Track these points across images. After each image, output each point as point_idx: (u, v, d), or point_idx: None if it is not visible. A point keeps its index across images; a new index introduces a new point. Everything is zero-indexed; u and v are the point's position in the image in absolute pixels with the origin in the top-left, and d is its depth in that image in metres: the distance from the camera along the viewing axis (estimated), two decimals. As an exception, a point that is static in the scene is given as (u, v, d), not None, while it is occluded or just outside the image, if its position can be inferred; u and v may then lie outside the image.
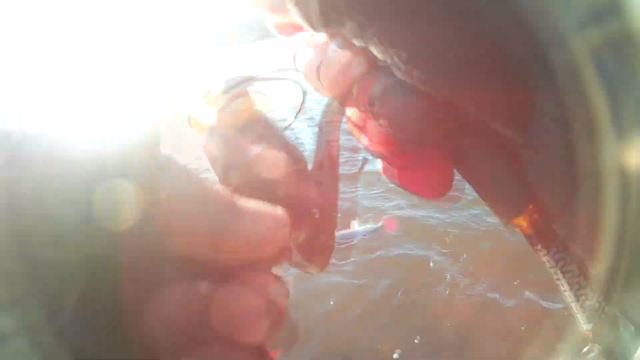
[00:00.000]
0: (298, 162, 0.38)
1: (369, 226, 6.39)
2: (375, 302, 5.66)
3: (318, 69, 0.33)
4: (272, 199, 0.27)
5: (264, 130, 0.41)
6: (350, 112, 0.35)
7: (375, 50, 0.28)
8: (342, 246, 5.54)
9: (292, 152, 0.39)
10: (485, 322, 5.17)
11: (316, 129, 0.42)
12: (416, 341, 5.14)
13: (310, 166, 0.41)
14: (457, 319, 5.43)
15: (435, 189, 0.34)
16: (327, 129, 0.42)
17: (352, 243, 5.71)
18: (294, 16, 0.31)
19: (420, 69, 0.26)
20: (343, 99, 0.35)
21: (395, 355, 4.77)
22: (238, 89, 0.48)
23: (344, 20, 0.28)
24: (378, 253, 6.39)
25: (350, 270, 5.89)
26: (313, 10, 0.29)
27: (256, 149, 0.38)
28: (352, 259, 6.30)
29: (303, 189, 0.38)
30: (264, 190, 0.32)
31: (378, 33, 0.27)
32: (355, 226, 6.18)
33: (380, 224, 6.25)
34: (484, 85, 0.27)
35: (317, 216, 0.40)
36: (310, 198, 0.39)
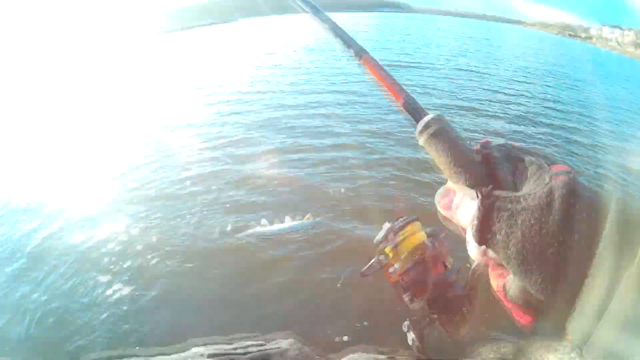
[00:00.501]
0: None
1: (303, 222, 7.03)
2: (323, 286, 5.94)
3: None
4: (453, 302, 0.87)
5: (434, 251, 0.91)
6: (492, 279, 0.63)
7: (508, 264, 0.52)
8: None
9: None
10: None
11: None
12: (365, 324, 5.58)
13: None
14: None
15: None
16: (473, 276, 0.80)
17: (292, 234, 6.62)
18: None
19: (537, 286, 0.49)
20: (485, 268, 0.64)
21: (345, 338, 5.32)
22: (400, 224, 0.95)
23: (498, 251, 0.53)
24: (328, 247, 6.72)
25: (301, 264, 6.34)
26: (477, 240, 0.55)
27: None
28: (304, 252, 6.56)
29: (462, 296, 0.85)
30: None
31: (522, 268, 0.50)
32: (289, 221, 6.93)
33: (309, 218, 6.99)
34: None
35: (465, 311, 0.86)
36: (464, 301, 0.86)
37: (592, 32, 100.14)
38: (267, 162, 8.68)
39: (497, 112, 13.43)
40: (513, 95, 16.41)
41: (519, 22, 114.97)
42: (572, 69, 31.01)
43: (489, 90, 16.78)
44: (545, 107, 15.38)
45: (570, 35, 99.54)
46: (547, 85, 20.19)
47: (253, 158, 8.91)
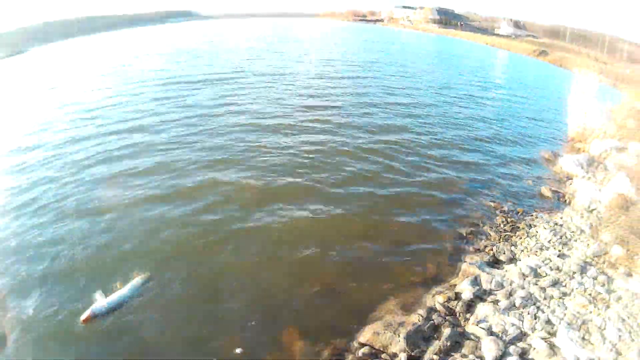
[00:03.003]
0: None
1: (133, 283, 7.60)
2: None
3: None
4: None
5: None
6: None
7: None
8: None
9: None
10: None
11: None
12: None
13: None
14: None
15: None
16: None
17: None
18: None
19: None
20: None
21: (238, 350, 6.66)
22: None
23: None
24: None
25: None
26: None
27: None
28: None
29: None
30: None
31: None
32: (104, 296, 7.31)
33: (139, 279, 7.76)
34: None
35: None
36: None
37: (383, 14, 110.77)
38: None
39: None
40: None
41: (314, 15, 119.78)
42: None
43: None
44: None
45: (361, 19, 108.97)
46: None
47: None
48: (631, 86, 19.05)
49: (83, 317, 6.86)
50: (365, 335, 7.12)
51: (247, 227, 9.39)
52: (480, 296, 7.93)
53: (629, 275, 8.00)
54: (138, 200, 10.02)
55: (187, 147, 12.99)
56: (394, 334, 7.05)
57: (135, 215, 9.50)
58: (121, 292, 7.45)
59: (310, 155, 12.73)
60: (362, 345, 6.97)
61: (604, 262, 8.53)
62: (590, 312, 7.26)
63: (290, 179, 11.41)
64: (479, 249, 9.38)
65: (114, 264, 8.17)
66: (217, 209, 9.97)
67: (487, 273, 8.39)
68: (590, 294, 7.68)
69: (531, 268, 8.41)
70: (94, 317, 6.91)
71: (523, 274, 8.29)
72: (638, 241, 8.66)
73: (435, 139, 14.67)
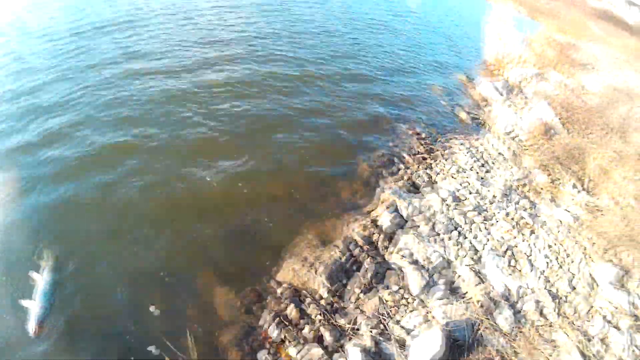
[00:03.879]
0: None
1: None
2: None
3: None
4: None
5: None
6: None
7: None
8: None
9: None
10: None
11: None
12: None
13: None
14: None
15: None
16: None
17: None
18: None
19: None
20: None
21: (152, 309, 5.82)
22: None
23: None
24: None
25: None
26: None
27: None
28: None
29: None
30: None
31: None
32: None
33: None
34: None
35: None
36: None
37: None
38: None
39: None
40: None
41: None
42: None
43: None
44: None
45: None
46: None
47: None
48: (549, 18, 19.07)
49: (32, 331, 5.53)
50: (283, 273, 6.43)
51: (151, 183, 7.88)
52: (400, 224, 7.25)
53: (553, 202, 7.74)
54: (40, 178, 7.86)
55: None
56: (313, 269, 6.33)
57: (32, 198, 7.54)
58: (45, 281, 6.07)
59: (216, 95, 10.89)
60: (281, 284, 6.29)
61: (527, 188, 8.19)
62: (515, 238, 6.85)
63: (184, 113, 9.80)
64: (395, 175, 8.62)
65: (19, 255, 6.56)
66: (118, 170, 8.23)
67: (405, 200, 7.68)
68: (513, 219, 7.27)
69: (451, 192, 7.81)
70: (42, 324, 5.61)
71: (443, 199, 7.67)
72: (561, 169, 8.43)
73: (346, 68, 13.32)
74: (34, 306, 5.72)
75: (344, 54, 14.07)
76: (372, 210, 7.63)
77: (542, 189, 8.06)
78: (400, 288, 6.10)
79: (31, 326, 5.53)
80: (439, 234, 7.01)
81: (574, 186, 7.94)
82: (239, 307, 6.01)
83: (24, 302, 5.78)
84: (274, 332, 5.62)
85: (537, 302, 5.79)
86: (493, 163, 9.01)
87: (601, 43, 16.21)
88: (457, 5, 25.72)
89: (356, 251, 6.68)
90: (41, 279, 6.05)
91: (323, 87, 11.58)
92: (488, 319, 5.52)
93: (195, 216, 7.26)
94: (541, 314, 5.66)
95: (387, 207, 7.43)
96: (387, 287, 6.11)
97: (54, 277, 6.12)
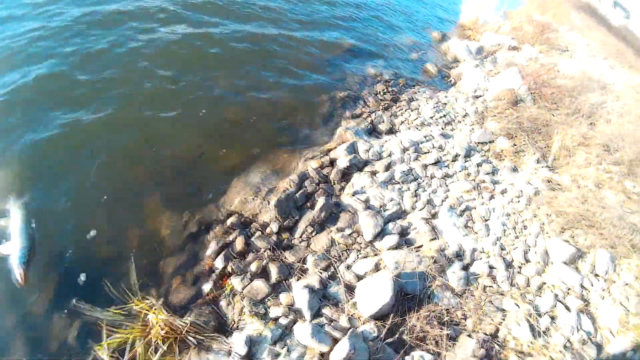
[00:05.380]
0: None
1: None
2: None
3: None
4: None
5: None
6: None
7: None
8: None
9: None
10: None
11: None
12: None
13: None
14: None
15: None
16: None
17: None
18: None
19: None
20: None
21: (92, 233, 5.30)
22: None
23: None
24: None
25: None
26: None
27: None
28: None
29: None
30: None
31: None
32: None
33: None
34: None
35: None
36: None
37: None
38: None
39: None
40: None
41: None
42: None
43: None
44: None
45: None
46: None
47: None
48: (532, -4, 18.73)
49: (20, 279, 4.60)
50: (233, 202, 5.92)
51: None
52: (357, 165, 6.78)
53: (515, 170, 7.54)
54: None
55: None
56: (264, 200, 5.86)
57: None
58: (16, 222, 5.11)
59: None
60: (231, 214, 5.80)
61: (489, 151, 7.97)
62: (474, 200, 6.59)
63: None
64: (356, 115, 8.19)
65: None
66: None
67: (365, 141, 7.23)
68: (474, 180, 7.03)
69: (412, 142, 7.40)
70: (27, 269, 4.68)
71: (404, 147, 7.25)
72: (525, 137, 8.22)
73: (316, 14, 12.19)
74: (11, 249, 4.83)
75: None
76: (331, 150, 7.12)
77: (505, 156, 7.84)
78: (353, 232, 5.68)
79: (18, 274, 4.61)
80: (397, 182, 6.61)
81: (538, 161, 7.76)
82: (184, 236, 5.54)
83: (1, 248, 4.88)
84: (219, 263, 5.18)
85: (491, 267, 5.55)
86: (458, 122, 8.70)
87: (581, 34, 16.16)
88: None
89: (311, 188, 6.18)
90: (14, 215, 5.15)
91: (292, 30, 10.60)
92: (441, 276, 5.24)
93: (145, 138, 6.55)
94: (494, 280, 5.44)
95: (346, 148, 6.92)
96: (340, 230, 5.67)
97: (24, 212, 5.21)
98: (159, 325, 4.26)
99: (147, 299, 4.49)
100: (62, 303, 4.63)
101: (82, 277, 4.83)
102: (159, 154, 6.36)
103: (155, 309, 4.34)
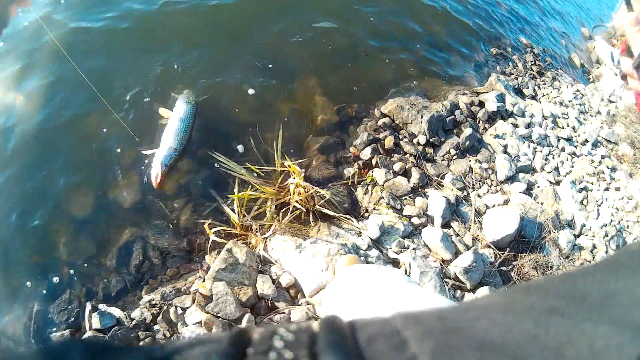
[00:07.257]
0: None
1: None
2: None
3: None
4: None
5: None
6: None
7: None
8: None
9: None
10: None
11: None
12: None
13: None
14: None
15: None
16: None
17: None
18: None
19: None
20: None
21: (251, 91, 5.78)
22: None
23: None
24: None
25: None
26: None
27: None
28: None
29: None
30: None
31: None
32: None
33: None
34: None
35: None
36: None
37: None
38: None
39: None
40: None
41: None
42: None
43: None
44: None
45: None
46: None
47: None
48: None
49: (155, 181, 4.16)
50: (388, 107, 6.28)
51: None
52: (502, 113, 7.29)
53: (631, 176, 7.89)
54: None
55: None
56: (418, 113, 6.24)
57: None
58: (176, 117, 4.66)
59: None
60: (384, 115, 6.25)
61: (612, 150, 8.31)
62: (592, 184, 7.10)
63: None
64: (505, 73, 8.56)
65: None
66: None
67: (513, 96, 7.71)
68: (596, 168, 7.49)
69: (552, 114, 7.86)
70: (166, 173, 4.26)
71: (544, 115, 7.74)
72: (646, 152, 8.51)
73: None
74: (161, 148, 4.38)
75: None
76: (481, 93, 7.54)
77: (625, 161, 8.16)
78: (489, 168, 6.27)
79: (155, 175, 4.14)
80: (533, 142, 7.10)
81: (656, 176, 8.08)
82: (335, 121, 5.98)
83: (145, 151, 4.52)
84: (366, 154, 5.65)
85: (594, 245, 6.13)
86: (590, 115, 8.97)
87: None
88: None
89: (460, 118, 6.68)
90: (177, 110, 4.73)
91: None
92: (556, 232, 5.84)
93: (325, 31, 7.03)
94: (594, 258, 6.02)
95: (496, 95, 7.35)
96: (479, 162, 6.25)
97: (189, 109, 4.80)
98: (298, 192, 4.48)
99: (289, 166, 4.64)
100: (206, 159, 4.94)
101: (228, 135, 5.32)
102: (330, 40, 6.85)
103: (299, 173, 4.53)
